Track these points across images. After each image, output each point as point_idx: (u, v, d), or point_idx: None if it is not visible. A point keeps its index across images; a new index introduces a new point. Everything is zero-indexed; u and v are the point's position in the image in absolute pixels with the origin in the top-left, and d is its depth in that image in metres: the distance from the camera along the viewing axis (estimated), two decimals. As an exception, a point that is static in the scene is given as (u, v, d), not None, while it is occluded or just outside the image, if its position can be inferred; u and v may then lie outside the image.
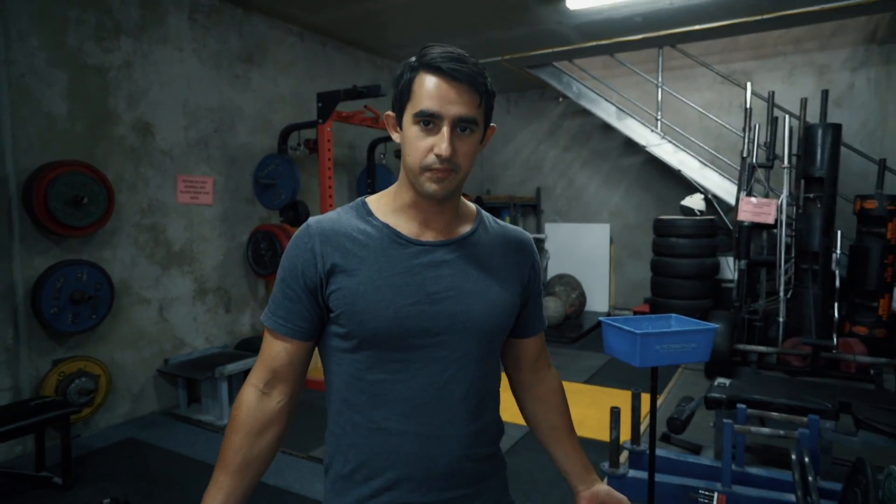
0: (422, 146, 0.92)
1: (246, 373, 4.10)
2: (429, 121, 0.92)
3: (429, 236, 1.01)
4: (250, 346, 4.28)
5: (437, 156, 0.91)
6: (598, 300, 7.13)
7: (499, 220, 1.13)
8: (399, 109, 0.97)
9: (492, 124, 1.02)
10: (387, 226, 1.00)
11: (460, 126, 0.92)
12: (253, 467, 0.99)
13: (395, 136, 1.01)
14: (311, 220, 1.02)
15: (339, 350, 1.00)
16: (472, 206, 1.11)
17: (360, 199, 1.06)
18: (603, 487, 1.13)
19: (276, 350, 1.00)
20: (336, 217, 1.02)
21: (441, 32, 5.28)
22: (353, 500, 0.99)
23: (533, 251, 1.14)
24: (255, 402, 1.00)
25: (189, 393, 4.08)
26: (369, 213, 1.02)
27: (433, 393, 0.98)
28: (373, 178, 5.45)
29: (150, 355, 3.98)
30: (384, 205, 1.03)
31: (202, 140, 4.30)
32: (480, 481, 1.04)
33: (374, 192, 5.56)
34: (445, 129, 0.91)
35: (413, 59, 0.95)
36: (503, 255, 1.07)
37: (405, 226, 1.00)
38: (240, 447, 0.98)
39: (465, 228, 1.05)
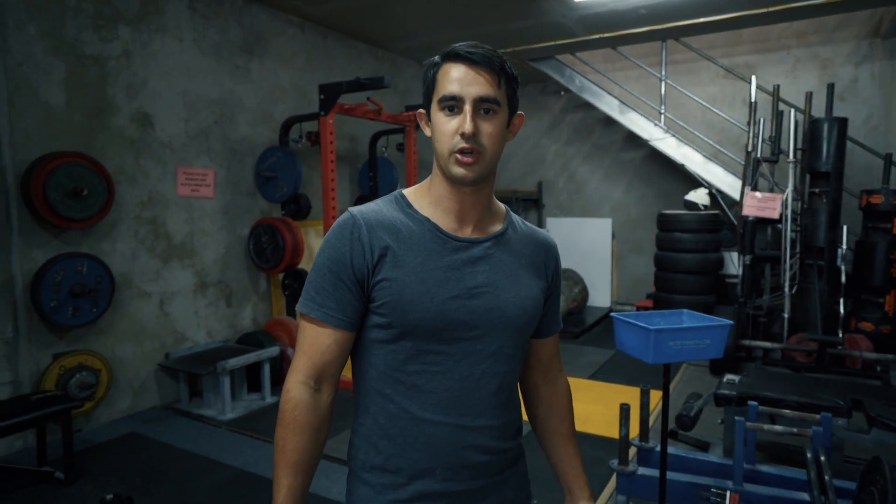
0: (447, 129, 0.96)
1: (248, 368, 4.06)
2: (452, 105, 0.96)
3: (465, 232, 1.04)
4: (252, 341, 4.23)
5: (462, 134, 0.94)
6: (600, 295, 7.09)
7: (526, 222, 1.18)
8: (427, 103, 1.02)
9: (519, 112, 1.04)
10: (428, 220, 1.02)
11: (483, 108, 0.95)
12: (314, 465, 1.02)
13: (427, 131, 1.03)
14: (354, 210, 1.02)
15: (376, 341, 1.01)
16: (502, 205, 1.14)
17: (396, 191, 1.08)
18: None
19: (326, 343, 0.99)
20: (377, 209, 1.03)
21: (443, 24, 5.22)
22: (382, 488, 1.01)
23: (557, 254, 1.18)
24: (311, 400, 0.99)
25: (190, 387, 4.04)
26: (409, 205, 1.04)
27: (469, 385, 1.01)
28: (375, 171, 5.39)
29: (150, 349, 3.93)
30: (420, 197, 1.06)
31: (202, 132, 4.23)
32: (505, 471, 1.08)
33: (375, 186, 5.48)
34: (467, 108, 0.94)
35: (437, 56, 1.00)
36: (531, 254, 1.11)
37: (443, 219, 1.03)
38: (304, 447, 0.99)
39: (497, 227, 1.09)
